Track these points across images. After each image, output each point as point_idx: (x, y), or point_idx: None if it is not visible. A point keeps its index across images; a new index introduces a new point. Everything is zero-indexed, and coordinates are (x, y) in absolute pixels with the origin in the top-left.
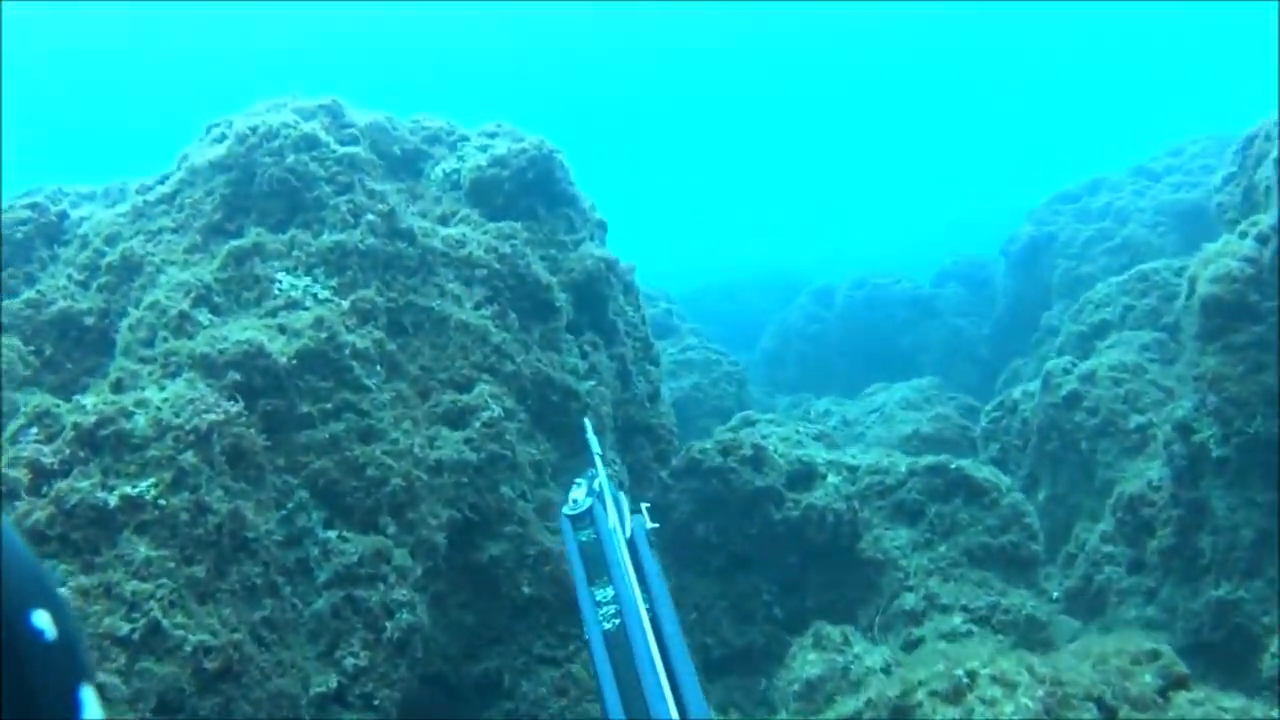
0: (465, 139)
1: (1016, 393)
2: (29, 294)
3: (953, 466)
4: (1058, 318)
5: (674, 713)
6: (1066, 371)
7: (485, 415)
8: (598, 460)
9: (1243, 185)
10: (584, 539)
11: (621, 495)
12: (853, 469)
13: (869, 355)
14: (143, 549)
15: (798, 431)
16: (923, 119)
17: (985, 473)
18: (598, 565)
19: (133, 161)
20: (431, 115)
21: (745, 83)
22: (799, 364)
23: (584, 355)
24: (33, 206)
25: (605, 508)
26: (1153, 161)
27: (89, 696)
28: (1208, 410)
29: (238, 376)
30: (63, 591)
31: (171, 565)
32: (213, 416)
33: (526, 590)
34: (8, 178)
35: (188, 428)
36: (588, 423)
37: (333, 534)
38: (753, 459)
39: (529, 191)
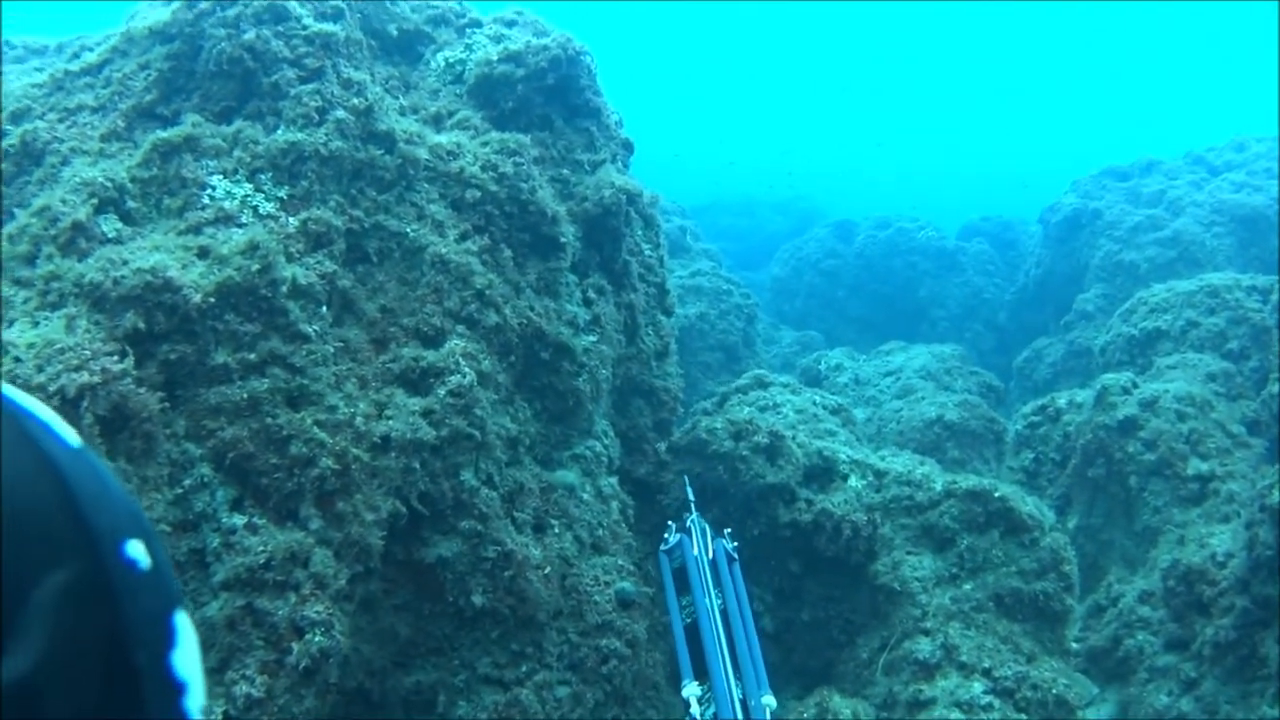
0: (477, 25)
1: (1062, 400)
2: None
3: (996, 495)
4: (1094, 302)
5: (731, 682)
6: (1126, 391)
7: (453, 381)
8: (693, 507)
9: None
10: (676, 566)
11: (706, 525)
12: (880, 474)
13: (883, 300)
14: None
15: (814, 403)
16: (977, 71)
17: (1029, 506)
18: (684, 582)
19: None
20: None
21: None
22: (809, 297)
23: (587, 303)
24: None
25: (693, 540)
26: (1210, 153)
27: (184, 622)
28: None
29: (135, 318)
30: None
31: None
32: (85, 377)
33: (478, 600)
34: None
35: (51, 389)
36: (686, 479)
37: (240, 520)
38: (767, 448)
39: (546, 98)
